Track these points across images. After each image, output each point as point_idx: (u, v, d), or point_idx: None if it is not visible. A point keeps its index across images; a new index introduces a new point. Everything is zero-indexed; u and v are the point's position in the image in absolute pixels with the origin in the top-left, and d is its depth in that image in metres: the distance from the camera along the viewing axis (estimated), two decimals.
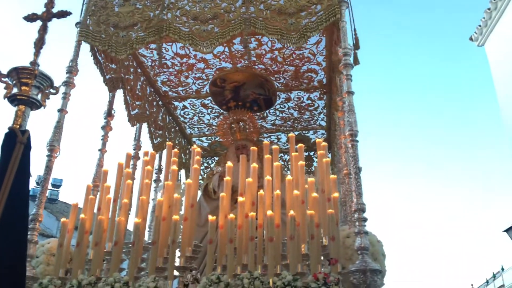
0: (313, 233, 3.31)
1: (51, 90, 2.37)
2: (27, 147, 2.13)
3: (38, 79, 2.25)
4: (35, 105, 2.27)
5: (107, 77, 4.93)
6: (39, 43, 2.39)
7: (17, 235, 1.99)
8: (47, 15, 2.55)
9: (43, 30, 2.47)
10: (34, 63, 2.33)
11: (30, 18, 2.61)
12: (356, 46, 4.42)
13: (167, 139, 6.07)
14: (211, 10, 4.23)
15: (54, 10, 2.67)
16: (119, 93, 5.19)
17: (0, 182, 1.99)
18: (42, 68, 2.36)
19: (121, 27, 4.38)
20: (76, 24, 4.48)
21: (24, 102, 2.23)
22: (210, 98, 6.05)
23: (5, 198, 1.95)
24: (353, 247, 3.29)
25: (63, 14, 2.61)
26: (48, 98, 2.33)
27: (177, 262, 3.40)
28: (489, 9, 11.15)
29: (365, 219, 3.24)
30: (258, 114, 6.30)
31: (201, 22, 4.20)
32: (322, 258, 3.29)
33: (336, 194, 3.55)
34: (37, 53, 2.36)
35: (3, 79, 2.23)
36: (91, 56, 4.73)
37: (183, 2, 4.36)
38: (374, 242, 3.45)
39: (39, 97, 2.29)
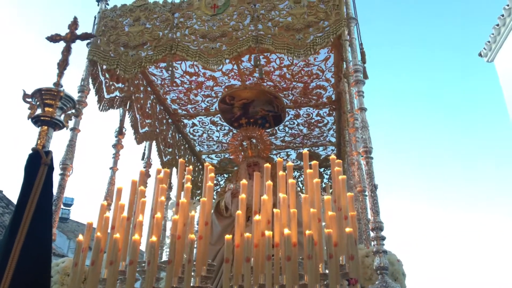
0: (331, 252, 3.26)
1: (73, 111, 2.38)
2: (50, 168, 2.13)
3: (63, 101, 2.25)
4: (58, 126, 2.27)
5: (107, 96, 4.87)
6: (63, 64, 2.40)
7: (41, 254, 1.99)
8: (71, 37, 2.56)
9: (66, 51, 2.47)
10: (57, 84, 2.33)
11: (54, 39, 2.61)
12: (363, 60, 4.42)
13: (177, 157, 6.07)
14: (220, 28, 4.27)
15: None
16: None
17: (24, 203, 1.98)
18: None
19: (130, 46, 4.43)
20: (87, 44, 4.51)
21: (47, 123, 2.23)
22: (219, 115, 6.06)
23: (29, 219, 1.94)
24: (373, 266, 3.25)
25: (87, 36, 2.62)
26: (71, 119, 2.35)
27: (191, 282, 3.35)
28: (497, 25, 10.96)
29: (383, 238, 3.20)
30: (268, 130, 6.31)
31: (209, 40, 4.24)
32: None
33: (353, 212, 3.51)
34: (60, 74, 2.37)
35: (27, 99, 2.23)
36: (95, 73, 4.67)
37: (191, 21, 4.41)
38: (394, 261, 3.39)
39: (62, 118, 2.29)
